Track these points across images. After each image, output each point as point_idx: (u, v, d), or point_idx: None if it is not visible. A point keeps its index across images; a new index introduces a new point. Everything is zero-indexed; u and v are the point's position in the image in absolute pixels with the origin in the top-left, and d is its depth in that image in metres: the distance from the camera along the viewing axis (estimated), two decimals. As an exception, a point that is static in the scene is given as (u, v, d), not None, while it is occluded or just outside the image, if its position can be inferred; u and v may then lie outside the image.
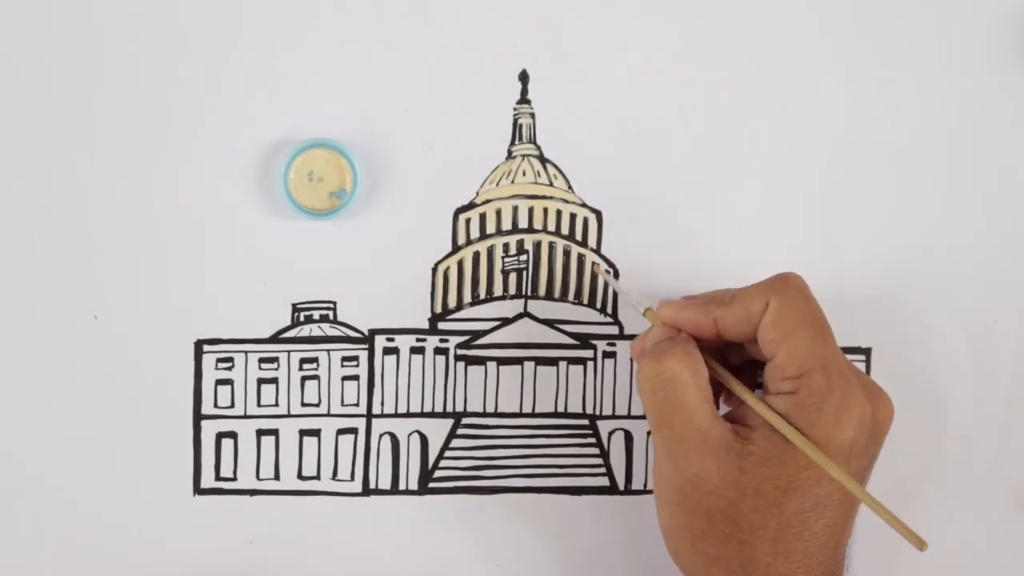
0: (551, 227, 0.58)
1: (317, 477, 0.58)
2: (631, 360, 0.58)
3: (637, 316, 0.55)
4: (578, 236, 0.58)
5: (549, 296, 0.58)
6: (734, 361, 0.54)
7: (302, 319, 0.57)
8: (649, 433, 0.58)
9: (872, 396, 0.50)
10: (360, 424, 0.58)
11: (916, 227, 0.59)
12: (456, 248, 0.57)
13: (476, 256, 0.57)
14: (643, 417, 0.58)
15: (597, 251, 0.58)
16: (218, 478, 0.57)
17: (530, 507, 0.58)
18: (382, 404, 0.58)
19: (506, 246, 0.58)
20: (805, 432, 0.48)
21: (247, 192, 0.56)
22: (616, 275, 0.58)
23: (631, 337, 0.58)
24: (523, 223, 0.58)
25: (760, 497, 0.48)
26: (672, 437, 0.49)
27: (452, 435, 0.58)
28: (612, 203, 0.57)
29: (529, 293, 0.58)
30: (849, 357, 0.58)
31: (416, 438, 0.58)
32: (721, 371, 0.51)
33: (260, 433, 0.57)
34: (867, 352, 0.59)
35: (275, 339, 0.57)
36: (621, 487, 0.58)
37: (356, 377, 0.57)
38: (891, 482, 0.58)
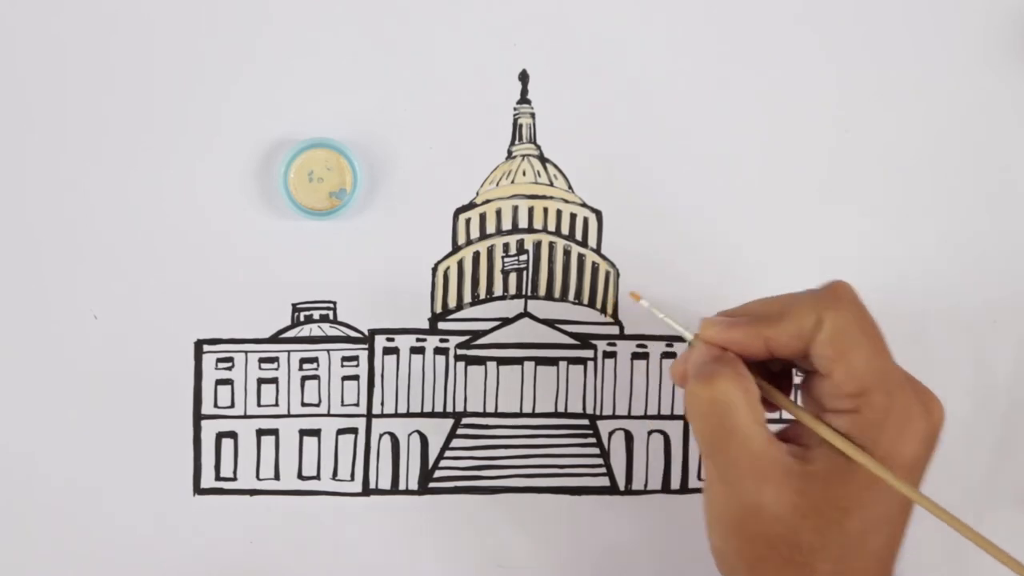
0: (551, 227, 0.58)
1: (317, 477, 0.58)
2: (631, 360, 0.58)
3: (638, 315, 0.55)
4: (578, 236, 0.58)
5: (549, 296, 0.58)
6: (771, 368, 0.50)
7: (302, 319, 0.57)
8: (651, 433, 0.58)
9: (926, 402, 0.48)
10: (360, 424, 0.58)
11: (916, 227, 0.59)
12: (456, 248, 0.57)
13: (476, 256, 0.57)
14: (643, 417, 0.58)
15: (597, 251, 0.58)
16: (218, 478, 0.57)
17: (530, 507, 0.58)
18: (382, 404, 0.58)
19: (506, 246, 0.58)
20: (868, 450, 0.45)
21: (247, 192, 0.56)
22: (617, 274, 0.58)
23: (631, 337, 0.58)
24: (523, 223, 0.58)
25: (821, 518, 0.46)
26: (727, 463, 0.46)
27: (452, 435, 0.58)
28: (612, 203, 0.57)
29: (529, 293, 0.58)
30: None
31: (416, 438, 0.58)
32: (773, 392, 0.48)
33: (260, 433, 0.57)
34: (867, 352, 0.59)
35: (275, 339, 0.57)
36: (621, 487, 0.58)
37: (356, 377, 0.57)
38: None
